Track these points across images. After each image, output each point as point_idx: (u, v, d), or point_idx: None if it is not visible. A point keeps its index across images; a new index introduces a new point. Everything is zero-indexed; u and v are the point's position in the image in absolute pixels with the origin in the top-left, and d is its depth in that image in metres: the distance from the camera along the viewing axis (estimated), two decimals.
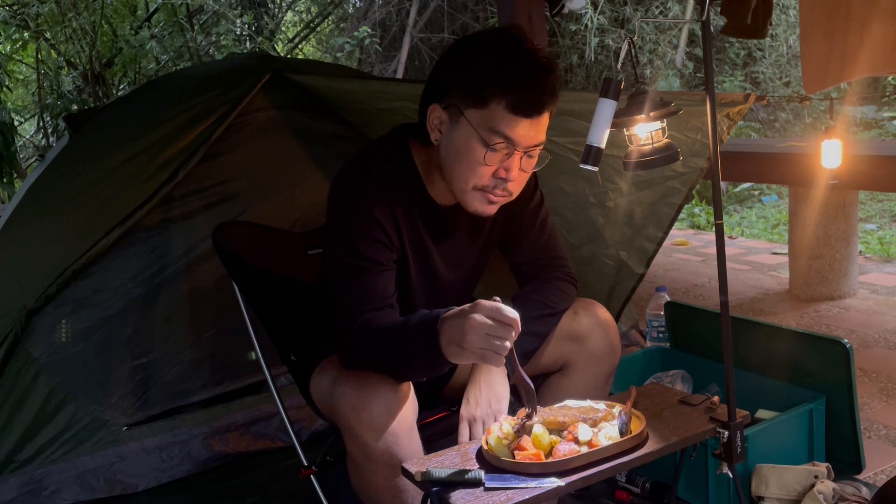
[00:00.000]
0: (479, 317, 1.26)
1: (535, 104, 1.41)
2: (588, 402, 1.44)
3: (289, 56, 9.25)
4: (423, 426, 1.54)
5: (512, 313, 1.28)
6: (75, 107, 7.56)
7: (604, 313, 1.70)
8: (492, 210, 1.53)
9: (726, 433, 1.43)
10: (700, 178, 2.57)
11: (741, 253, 4.70)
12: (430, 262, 1.64)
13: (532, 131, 1.43)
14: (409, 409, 1.45)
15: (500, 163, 1.44)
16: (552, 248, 1.76)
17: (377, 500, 1.49)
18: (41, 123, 8.35)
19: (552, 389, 1.70)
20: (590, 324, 1.68)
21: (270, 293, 1.92)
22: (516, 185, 1.50)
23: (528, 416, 1.38)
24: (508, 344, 1.27)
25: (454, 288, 1.74)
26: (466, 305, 1.31)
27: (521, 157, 1.45)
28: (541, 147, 1.48)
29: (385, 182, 1.52)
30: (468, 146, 1.43)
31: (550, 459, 1.29)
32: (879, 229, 5.64)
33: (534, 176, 1.69)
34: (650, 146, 1.42)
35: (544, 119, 1.45)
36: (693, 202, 6.45)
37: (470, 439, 1.52)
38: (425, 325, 1.36)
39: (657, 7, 7.75)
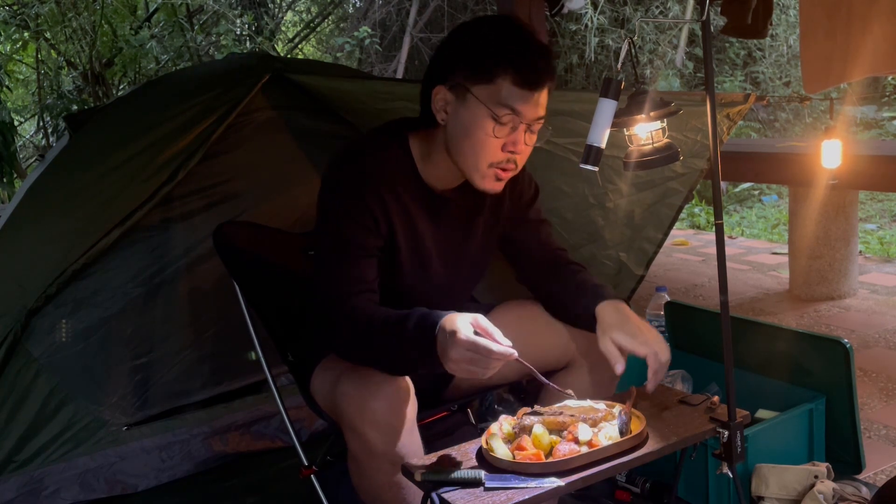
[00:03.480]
0: (455, 353, 1.31)
1: (538, 78, 1.49)
2: (588, 402, 1.44)
3: (289, 56, 9.25)
4: (423, 426, 1.54)
5: (490, 346, 1.30)
6: (75, 107, 7.55)
7: None
8: (499, 187, 1.58)
9: (726, 433, 1.43)
10: (700, 179, 2.57)
11: (741, 253, 4.70)
12: (422, 249, 1.66)
13: (535, 104, 1.50)
14: (411, 406, 1.47)
15: (507, 136, 1.51)
16: (555, 240, 1.82)
17: (379, 497, 1.49)
18: (41, 123, 8.34)
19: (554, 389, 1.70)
20: None
21: (270, 287, 1.92)
22: (522, 158, 1.56)
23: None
24: (491, 372, 1.32)
25: (450, 283, 1.74)
26: (458, 322, 1.33)
27: (525, 132, 1.52)
28: (542, 122, 1.54)
29: (376, 168, 1.57)
30: (477, 121, 1.49)
31: (550, 459, 1.29)
32: (879, 229, 5.63)
33: (529, 175, 1.77)
34: (650, 146, 1.42)
35: (545, 94, 1.52)
36: (693, 202, 6.45)
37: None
38: (423, 330, 1.37)
39: (657, 7, 7.75)
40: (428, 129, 1.59)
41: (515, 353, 1.32)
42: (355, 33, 8.66)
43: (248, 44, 8.84)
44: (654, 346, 1.50)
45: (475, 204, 1.69)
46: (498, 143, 1.50)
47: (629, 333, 1.51)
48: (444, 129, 1.55)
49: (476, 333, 1.32)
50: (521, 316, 1.72)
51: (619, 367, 1.49)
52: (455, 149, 1.54)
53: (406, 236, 1.61)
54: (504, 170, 1.54)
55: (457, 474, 1.27)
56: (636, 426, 1.38)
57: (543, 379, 1.43)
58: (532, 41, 1.50)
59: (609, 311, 1.56)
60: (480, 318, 1.34)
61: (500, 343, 1.32)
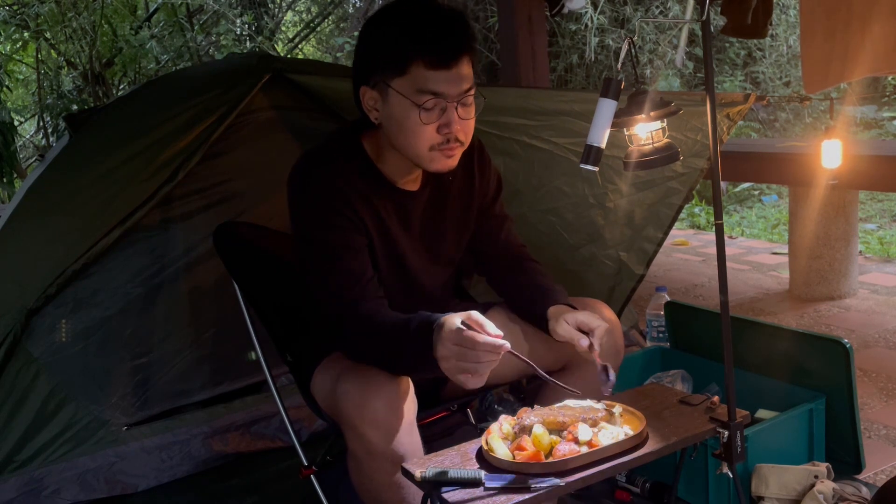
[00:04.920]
0: (443, 349, 1.30)
1: (450, 56, 1.48)
2: (588, 402, 1.44)
3: (289, 56, 9.24)
4: (423, 426, 1.54)
5: (475, 336, 1.27)
6: (75, 107, 7.55)
7: (609, 314, 1.71)
8: (453, 163, 1.57)
9: (726, 433, 1.43)
10: (700, 178, 2.58)
11: (741, 253, 4.70)
12: (396, 249, 1.66)
13: (456, 81, 1.49)
14: (410, 405, 1.47)
15: (438, 119, 1.50)
16: (517, 236, 1.84)
17: (379, 497, 1.49)
18: (41, 123, 8.35)
19: (554, 388, 1.70)
20: None
21: (270, 286, 1.92)
22: (464, 133, 1.55)
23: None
24: (483, 367, 1.28)
25: (430, 280, 1.75)
26: (448, 317, 1.32)
27: (457, 108, 1.51)
28: (472, 93, 1.53)
29: (339, 172, 1.58)
30: (404, 113, 1.50)
31: (550, 459, 1.29)
32: (879, 229, 5.63)
33: (495, 169, 1.80)
34: (650, 146, 1.42)
35: (465, 67, 1.51)
36: (693, 202, 6.45)
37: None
38: (423, 330, 1.38)
39: (657, 7, 7.74)
40: (373, 130, 1.61)
41: (507, 345, 1.27)
42: (355, 33, 8.62)
43: (248, 44, 8.83)
44: (598, 319, 1.52)
45: (441, 194, 1.70)
46: (431, 127, 1.50)
47: (576, 312, 1.54)
48: (382, 127, 1.57)
49: (469, 329, 1.29)
50: (517, 317, 1.72)
51: (584, 341, 1.49)
52: (395, 143, 1.56)
53: (380, 240, 1.63)
54: (450, 148, 1.54)
55: (457, 474, 1.27)
56: (636, 426, 1.38)
57: (540, 371, 1.40)
58: (436, 18, 1.48)
59: (557, 307, 1.60)
60: (473, 313, 1.32)
61: (489, 334, 1.28)
